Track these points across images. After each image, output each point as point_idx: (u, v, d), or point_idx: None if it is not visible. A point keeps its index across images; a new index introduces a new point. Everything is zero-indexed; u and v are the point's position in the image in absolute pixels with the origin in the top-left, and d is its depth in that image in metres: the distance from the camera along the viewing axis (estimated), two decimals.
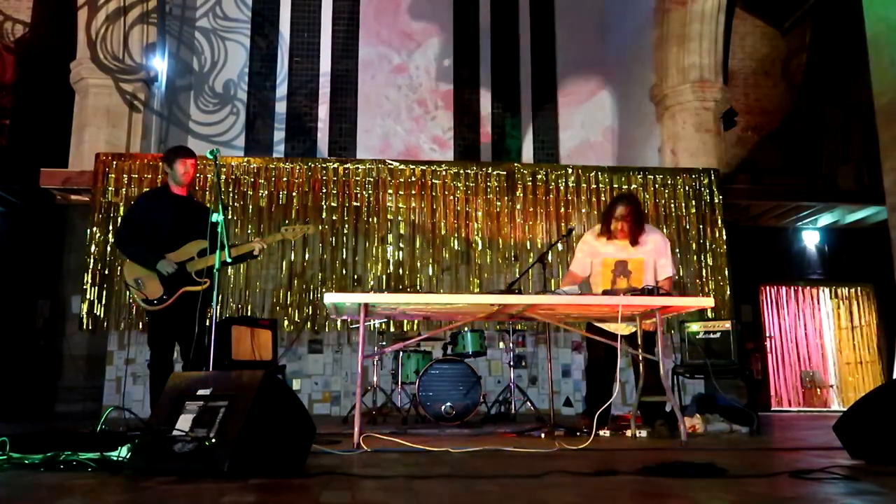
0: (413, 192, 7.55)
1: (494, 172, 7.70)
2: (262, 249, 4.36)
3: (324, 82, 9.55)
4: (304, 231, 4.53)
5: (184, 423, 2.30)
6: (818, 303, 10.01)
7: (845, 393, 9.55)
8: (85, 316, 6.92)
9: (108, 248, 7.07)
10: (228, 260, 4.03)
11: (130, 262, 4.14)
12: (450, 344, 6.21)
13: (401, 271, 7.38)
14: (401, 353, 6.10)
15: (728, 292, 7.55)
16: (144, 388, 6.95)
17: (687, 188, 7.76)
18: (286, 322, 7.11)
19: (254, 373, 2.41)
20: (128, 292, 6.86)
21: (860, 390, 8.95)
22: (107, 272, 7.02)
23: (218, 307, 3.92)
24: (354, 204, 7.46)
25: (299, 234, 4.55)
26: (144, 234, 4.15)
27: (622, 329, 4.12)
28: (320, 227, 7.28)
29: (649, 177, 7.76)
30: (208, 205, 5.62)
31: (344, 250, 7.36)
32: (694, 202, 7.73)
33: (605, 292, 4.21)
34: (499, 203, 7.60)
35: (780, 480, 2.16)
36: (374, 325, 6.29)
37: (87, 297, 6.94)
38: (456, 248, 7.50)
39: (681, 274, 7.54)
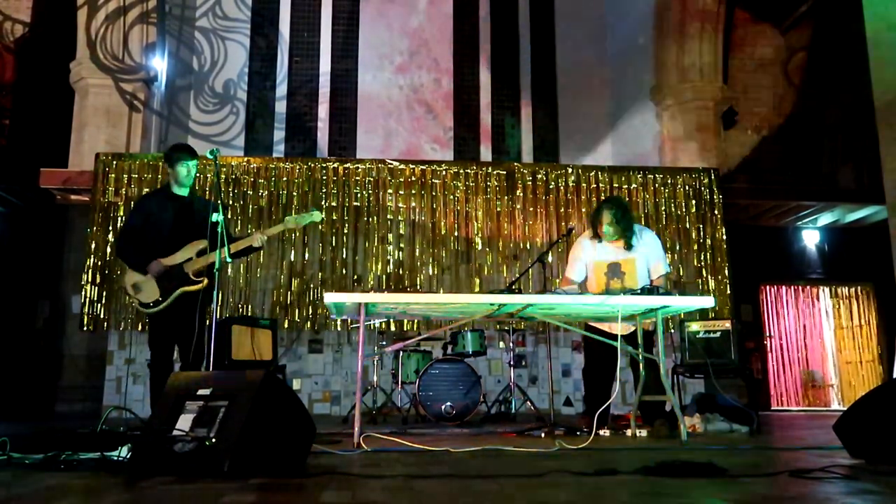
0: (413, 191, 7.55)
1: (494, 172, 7.70)
2: (264, 242, 4.30)
3: (324, 82, 9.55)
4: (308, 219, 4.36)
5: (184, 423, 2.30)
6: (818, 302, 10.01)
7: (845, 392, 9.55)
8: (85, 316, 6.92)
9: (108, 248, 7.08)
10: (228, 260, 4.03)
11: (129, 268, 4.17)
12: (450, 344, 6.21)
13: (401, 271, 7.38)
14: (401, 353, 6.10)
15: (728, 292, 7.55)
16: (144, 388, 6.96)
17: (687, 188, 7.76)
18: (286, 322, 7.10)
19: (254, 373, 2.41)
20: (126, 296, 6.91)
21: (860, 390, 8.95)
22: (107, 272, 7.02)
23: (218, 307, 3.92)
24: (354, 204, 7.46)
25: (305, 222, 4.40)
26: (144, 237, 4.14)
27: (621, 329, 4.12)
28: (321, 224, 7.27)
29: (649, 176, 7.76)
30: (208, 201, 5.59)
31: (344, 250, 7.36)
32: (694, 202, 7.73)
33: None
34: (499, 203, 7.60)
35: (780, 480, 2.16)
36: (374, 325, 6.29)
37: (88, 297, 6.94)
38: (456, 247, 7.50)
39: (681, 273, 7.54)
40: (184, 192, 4.28)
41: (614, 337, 3.93)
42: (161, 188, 4.60)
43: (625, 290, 4.07)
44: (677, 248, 7.59)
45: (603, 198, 7.44)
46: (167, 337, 4.11)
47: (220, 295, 4.86)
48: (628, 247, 4.37)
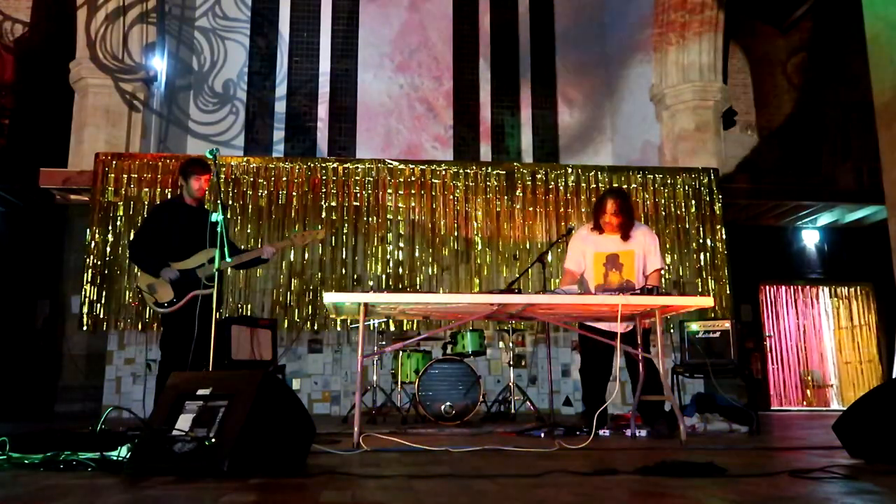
0: (413, 191, 7.55)
1: (494, 172, 7.70)
2: (273, 255, 4.46)
3: (323, 82, 9.55)
4: (314, 238, 4.56)
5: (183, 422, 2.30)
6: (818, 302, 10.01)
7: (845, 392, 9.55)
8: (85, 316, 6.92)
9: (108, 249, 7.07)
10: (228, 259, 4.07)
11: (143, 271, 4.34)
12: (450, 343, 6.21)
13: (401, 271, 7.38)
14: (401, 353, 6.10)
15: (728, 292, 7.55)
16: (144, 388, 6.95)
17: (686, 188, 7.76)
18: (286, 322, 7.10)
19: (254, 373, 2.41)
20: (128, 293, 6.91)
21: (860, 390, 8.95)
22: (106, 272, 7.02)
23: (217, 307, 3.94)
24: (354, 203, 7.46)
25: (308, 241, 4.57)
26: (157, 244, 4.32)
27: (620, 327, 4.11)
28: (323, 228, 7.27)
29: (649, 176, 7.76)
30: (208, 205, 5.63)
31: (344, 250, 7.36)
32: (693, 202, 7.73)
33: (598, 287, 4.23)
34: (498, 203, 7.60)
35: (779, 480, 2.16)
36: (373, 324, 6.29)
37: (87, 296, 6.94)
38: (456, 247, 7.50)
39: (680, 273, 7.54)
40: (195, 202, 4.46)
41: (612, 336, 3.93)
42: (175, 198, 4.82)
43: (622, 284, 4.09)
44: (677, 247, 7.59)
45: (606, 188, 7.44)
46: (180, 339, 4.17)
47: (220, 295, 4.84)
48: (626, 237, 4.40)
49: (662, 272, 4.61)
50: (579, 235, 4.61)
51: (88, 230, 7.11)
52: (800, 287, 9.88)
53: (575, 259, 4.55)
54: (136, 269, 4.52)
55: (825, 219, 9.13)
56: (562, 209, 7.61)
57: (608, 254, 4.43)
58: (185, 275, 4.24)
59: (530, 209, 7.60)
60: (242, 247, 6.75)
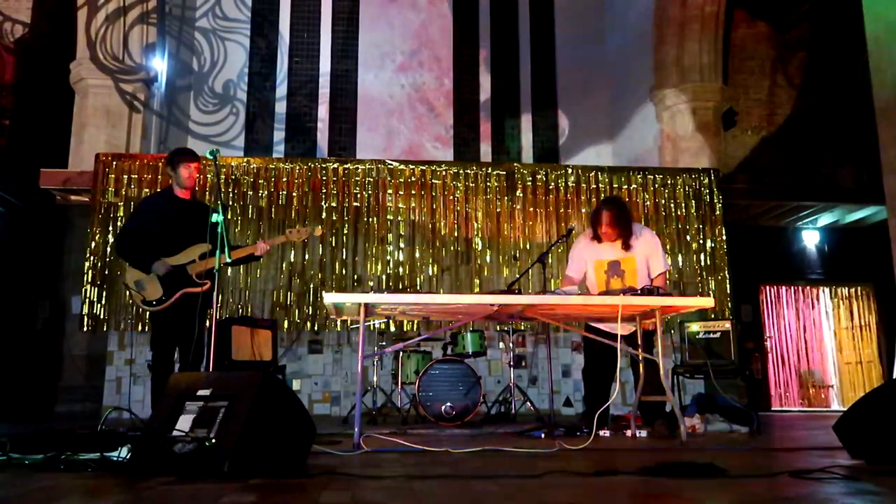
0: (413, 192, 7.55)
1: (494, 172, 7.70)
2: (266, 251, 4.38)
3: (323, 82, 9.56)
4: (308, 234, 4.49)
5: (184, 423, 2.30)
6: (818, 303, 10.01)
7: (845, 393, 9.55)
8: (85, 316, 6.91)
9: (108, 249, 7.07)
10: (228, 260, 4.04)
11: (131, 266, 4.18)
12: (450, 344, 6.21)
13: (401, 271, 7.38)
14: (401, 353, 6.09)
15: (728, 292, 7.55)
16: (144, 388, 6.95)
17: (687, 188, 7.76)
18: (286, 322, 7.10)
19: (254, 373, 2.42)
20: (128, 294, 6.91)
21: (860, 390, 8.95)
22: (107, 272, 7.01)
23: (218, 308, 3.93)
24: (354, 204, 7.46)
25: (304, 237, 4.50)
26: (145, 238, 4.16)
27: (621, 329, 4.11)
28: (321, 227, 7.27)
29: (649, 177, 7.76)
30: (209, 203, 5.61)
31: (344, 250, 7.36)
32: (694, 202, 7.72)
33: (601, 294, 4.22)
34: (499, 203, 7.60)
35: (780, 480, 2.16)
36: (374, 325, 6.29)
37: (88, 297, 6.94)
38: (456, 248, 7.50)
39: (681, 274, 7.54)
40: (186, 194, 4.33)
41: (614, 337, 3.93)
42: (163, 190, 4.63)
43: (625, 289, 4.08)
44: (677, 248, 7.59)
45: (603, 198, 7.44)
46: (169, 337, 4.12)
47: (220, 296, 4.85)
48: (626, 247, 4.39)
49: (668, 274, 4.60)
50: (579, 244, 4.61)
51: (88, 230, 7.11)
52: (800, 287, 9.88)
53: (575, 267, 4.57)
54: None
55: (825, 219, 9.13)
56: (562, 210, 7.61)
57: (609, 261, 4.43)
58: (174, 271, 4.09)
59: (530, 210, 7.59)
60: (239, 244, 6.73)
